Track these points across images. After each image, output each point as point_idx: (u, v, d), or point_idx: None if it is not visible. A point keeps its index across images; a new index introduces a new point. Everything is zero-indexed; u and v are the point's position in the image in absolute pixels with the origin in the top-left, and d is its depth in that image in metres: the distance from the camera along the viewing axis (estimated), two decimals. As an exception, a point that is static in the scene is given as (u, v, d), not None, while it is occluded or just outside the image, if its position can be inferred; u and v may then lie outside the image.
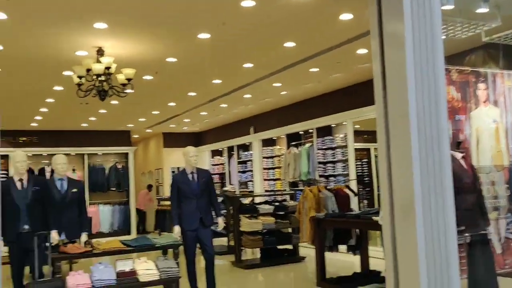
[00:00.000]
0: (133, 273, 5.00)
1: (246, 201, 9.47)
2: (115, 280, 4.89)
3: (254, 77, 8.27)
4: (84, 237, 5.79)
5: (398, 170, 3.30)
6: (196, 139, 15.93)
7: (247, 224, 8.16)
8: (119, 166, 14.31)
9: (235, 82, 8.64)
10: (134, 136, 15.79)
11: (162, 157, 15.56)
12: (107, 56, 6.13)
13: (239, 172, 13.68)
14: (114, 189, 14.13)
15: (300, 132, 11.18)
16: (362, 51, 6.80)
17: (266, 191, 12.00)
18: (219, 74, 8.05)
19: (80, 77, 6.08)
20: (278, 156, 12.02)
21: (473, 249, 4.27)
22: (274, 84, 8.89)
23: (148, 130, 14.88)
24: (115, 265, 5.01)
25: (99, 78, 6.11)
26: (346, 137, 9.48)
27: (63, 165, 5.94)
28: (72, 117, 11.54)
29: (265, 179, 12.46)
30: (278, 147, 12.24)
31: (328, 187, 7.69)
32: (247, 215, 8.30)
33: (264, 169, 12.46)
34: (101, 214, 13.87)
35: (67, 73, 7.12)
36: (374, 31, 3.32)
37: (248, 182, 13.18)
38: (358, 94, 8.78)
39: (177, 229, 5.75)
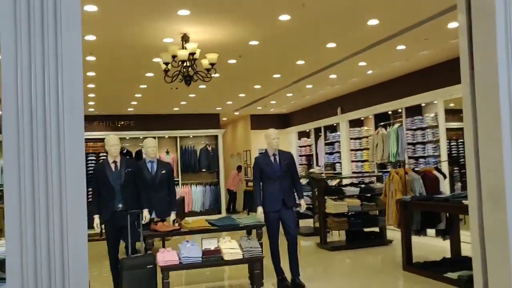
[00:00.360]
0: (218, 251, 5.19)
1: (333, 183, 9.41)
2: (200, 257, 5.11)
3: (338, 57, 8.13)
4: (173, 215, 6.11)
5: (486, 156, 3.07)
6: (283, 120, 16.03)
7: (332, 206, 8.11)
8: (209, 148, 14.80)
9: (319, 62, 8.56)
10: (223, 119, 16.22)
11: (250, 139, 15.86)
12: (192, 42, 6.33)
13: (326, 153, 13.58)
14: (204, 170, 14.67)
15: (388, 112, 10.84)
16: (453, 24, 6.41)
17: (354, 172, 11.82)
18: (302, 55, 8.01)
19: (166, 64, 6.35)
20: (366, 137, 11.76)
21: None
22: (360, 64, 8.68)
23: (236, 113, 15.21)
24: (201, 243, 5.24)
25: (184, 64, 6.34)
26: (437, 117, 9.04)
27: (153, 148, 6.28)
28: (164, 101, 12.10)
29: (352, 161, 12.26)
30: (365, 128, 11.98)
31: (415, 169, 7.42)
32: (332, 197, 8.25)
33: (352, 150, 12.25)
34: (193, 194, 14.49)
35: (156, 60, 7.46)
36: (462, 4, 3.11)
37: (336, 164, 13.05)
38: (449, 71, 8.31)
39: (260, 209, 5.87)
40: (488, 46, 2.97)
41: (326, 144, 13.60)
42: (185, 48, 6.32)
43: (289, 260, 5.88)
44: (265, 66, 8.70)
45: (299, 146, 15.48)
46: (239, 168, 16.00)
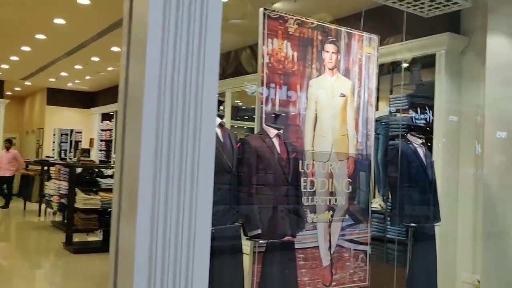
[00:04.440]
0: None
1: (110, 172, 7.83)
2: None
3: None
4: None
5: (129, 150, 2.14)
6: (87, 99, 14.22)
7: (82, 200, 6.74)
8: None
9: (83, 25, 7.07)
10: (15, 88, 13.91)
11: (44, 116, 13.76)
12: None
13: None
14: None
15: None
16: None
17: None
18: (59, 10, 6.48)
19: None
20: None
21: (270, 259, 3.10)
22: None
23: (27, 83, 13.00)
24: None
25: None
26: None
27: None
28: None
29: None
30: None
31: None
32: (84, 189, 6.87)
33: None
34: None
35: None
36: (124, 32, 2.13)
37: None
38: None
39: None
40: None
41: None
42: None
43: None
44: (20, 20, 7.00)
45: (101, 130, 13.81)
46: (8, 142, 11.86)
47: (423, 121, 4.68)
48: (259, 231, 2.99)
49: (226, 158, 2.95)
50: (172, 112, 2.23)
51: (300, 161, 3.51)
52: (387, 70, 5.23)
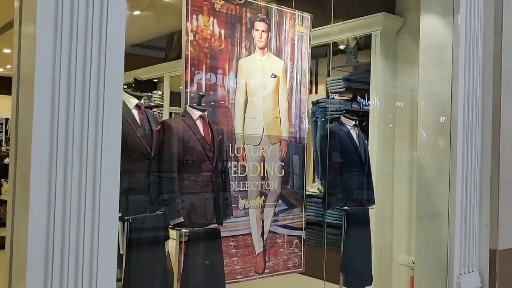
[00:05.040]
0: None
1: None
2: None
3: None
4: None
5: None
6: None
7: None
8: None
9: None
10: None
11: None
12: None
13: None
14: None
15: None
16: None
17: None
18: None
19: None
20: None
21: (193, 248, 2.92)
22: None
23: None
24: None
25: None
26: None
27: None
28: None
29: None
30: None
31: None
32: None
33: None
34: None
35: None
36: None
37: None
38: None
39: None
40: None
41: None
42: None
43: None
44: None
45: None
46: None
47: (360, 104, 4.60)
48: (181, 219, 2.81)
49: (144, 143, 2.73)
50: (70, 91, 1.99)
51: (230, 145, 3.34)
52: (325, 52, 5.12)
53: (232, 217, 3.16)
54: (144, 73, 6.66)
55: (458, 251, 3.85)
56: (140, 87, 2.96)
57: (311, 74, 5.36)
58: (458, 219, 3.81)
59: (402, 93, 4.69)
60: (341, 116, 3.88)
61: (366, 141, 3.92)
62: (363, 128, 4.10)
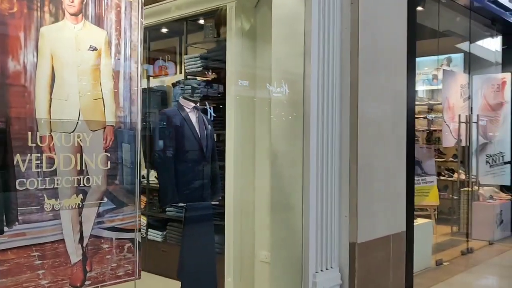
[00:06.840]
0: None
1: None
2: None
3: None
4: None
5: None
6: None
7: None
8: None
9: None
10: None
11: None
12: None
13: None
14: None
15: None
16: None
17: None
18: None
19: None
20: None
21: None
22: None
23: None
24: None
25: None
26: None
27: None
28: None
29: None
30: None
31: None
32: None
33: None
34: None
35: None
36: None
37: None
38: None
39: None
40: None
41: None
42: None
43: None
44: None
45: None
46: None
47: (214, 85, 4.10)
48: None
49: None
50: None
51: (30, 133, 2.68)
52: (180, 27, 4.55)
53: (17, 223, 2.50)
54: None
55: (314, 247, 3.47)
56: None
57: (173, 52, 4.77)
58: (314, 210, 3.43)
59: (262, 73, 4.24)
60: (180, 97, 3.33)
61: (210, 126, 3.40)
62: (208, 110, 3.58)
